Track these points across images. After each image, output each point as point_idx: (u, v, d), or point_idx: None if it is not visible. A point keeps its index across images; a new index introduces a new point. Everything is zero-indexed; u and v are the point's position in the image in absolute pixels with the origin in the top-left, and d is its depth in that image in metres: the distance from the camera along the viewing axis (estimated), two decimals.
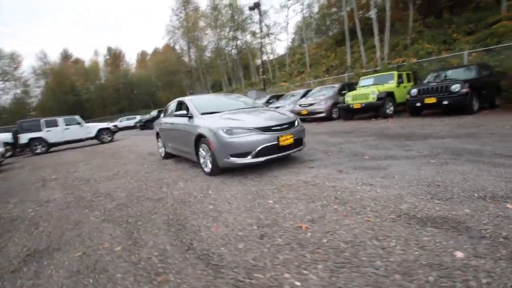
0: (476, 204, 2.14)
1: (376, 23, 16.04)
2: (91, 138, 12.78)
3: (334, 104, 10.65)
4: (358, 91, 9.74)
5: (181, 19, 45.84)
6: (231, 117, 3.94)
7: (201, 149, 4.10)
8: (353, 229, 1.96)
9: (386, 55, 15.68)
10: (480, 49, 11.62)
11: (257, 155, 3.56)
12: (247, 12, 33.49)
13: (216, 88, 45.98)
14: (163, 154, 6.09)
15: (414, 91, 8.12)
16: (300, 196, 2.74)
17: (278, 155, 3.73)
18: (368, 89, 9.43)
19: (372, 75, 10.92)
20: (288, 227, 2.09)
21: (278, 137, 3.64)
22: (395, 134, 5.79)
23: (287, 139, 3.74)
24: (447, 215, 2.02)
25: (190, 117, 4.44)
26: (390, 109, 9.15)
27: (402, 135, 5.50)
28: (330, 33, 29.37)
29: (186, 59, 50.95)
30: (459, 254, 1.54)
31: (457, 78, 7.76)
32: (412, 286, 1.34)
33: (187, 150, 4.59)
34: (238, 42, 36.25)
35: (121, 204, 3.19)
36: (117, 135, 16.84)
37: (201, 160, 4.17)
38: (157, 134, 6.27)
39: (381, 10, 19.44)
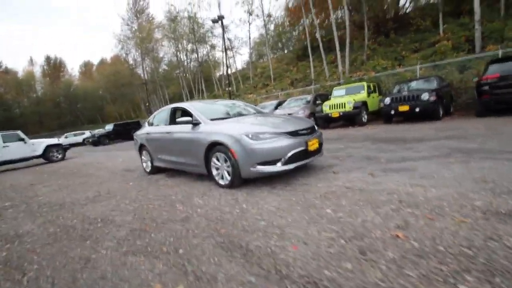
0: None
1: (338, 41, 17.34)
2: (37, 157, 10.80)
3: (311, 114, 10.91)
4: (334, 101, 10.15)
5: (133, 29, 43.67)
6: (251, 122, 3.58)
7: (213, 159, 3.62)
8: (457, 232, 1.78)
9: (347, 69, 16.97)
10: (428, 64, 13.31)
11: (287, 161, 3.25)
12: (208, 24, 33.48)
13: (175, 101, 44.21)
14: (148, 169, 5.33)
15: (387, 100, 8.76)
16: (357, 202, 2.50)
17: (306, 161, 3.47)
18: (343, 99, 9.90)
19: (343, 86, 11.58)
20: (383, 237, 1.82)
21: (306, 142, 3.39)
22: (386, 138, 6.04)
23: (313, 143, 3.51)
24: None
25: (196, 124, 3.93)
26: (364, 117, 9.71)
27: (395, 139, 5.75)
28: (290, 49, 30.97)
29: (139, 71, 48.27)
30: None
31: (423, 88, 8.62)
32: None
33: (191, 161, 4.03)
34: (200, 54, 35.68)
35: (135, 230, 2.53)
36: (68, 153, 14.65)
37: (214, 172, 3.68)
38: (141, 147, 5.49)
39: (340, 30, 21.28)
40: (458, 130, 5.94)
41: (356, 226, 2.04)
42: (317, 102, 11.48)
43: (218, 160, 3.58)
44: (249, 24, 29.92)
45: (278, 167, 3.20)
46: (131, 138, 11.04)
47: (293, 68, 24.46)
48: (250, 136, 3.24)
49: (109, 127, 21.37)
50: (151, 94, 47.42)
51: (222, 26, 22.10)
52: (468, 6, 15.91)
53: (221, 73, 39.66)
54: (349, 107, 9.51)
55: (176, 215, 2.80)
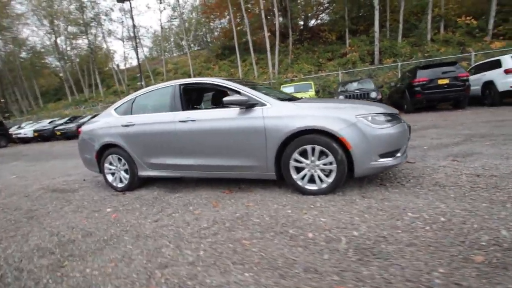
0: None
1: (268, 43, 17.74)
2: None
3: None
4: None
5: None
6: (335, 105, 2.62)
7: (295, 156, 2.45)
8: None
9: (277, 70, 17.57)
10: (345, 71, 15.41)
11: (404, 151, 2.54)
12: (103, 5, 27.47)
13: (49, 96, 33.98)
14: (121, 184, 3.36)
15: (341, 98, 9.33)
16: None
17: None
18: (298, 96, 9.92)
19: (291, 84, 11.72)
20: None
21: (410, 127, 2.77)
22: None
23: None
24: None
25: (250, 107, 2.61)
26: None
27: None
28: (205, 46, 29.56)
29: None
30: None
31: (366, 87, 9.67)
32: None
33: (243, 162, 2.65)
34: (91, 39, 28.75)
35: None
36: None
37: (294, 174, 2.50)
38: (103, 150, 3.39)
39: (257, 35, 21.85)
40: (421, 122, 6.80)
41: None
42: None
43: (301, 155, 2.45)
44: (160, 12, 26.50)
45: (399, 158, 2.44)
46: None
47: (214, 66, 23.37)
48: (369, 118, 2.33)
49: None
50: (9, 87, 34.81)
51: (131, 7, 18.61)
52: (362, 26, 19.60)
53: (120, 65, 33.45)
54: None
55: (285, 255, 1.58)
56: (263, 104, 2.60)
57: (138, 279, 1.52)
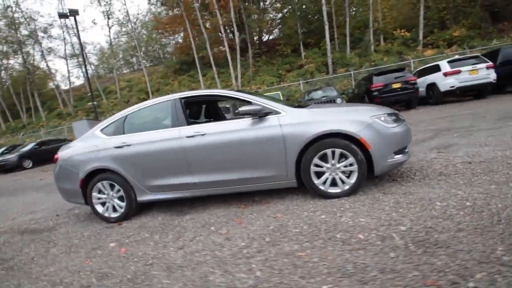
0: None
1: (230, 57, 17.94)
2: None
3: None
4: None
5: None
6: (345, 108, 2.73)
7: (315, 161, 2.47)
8: None
9: (240, 83, 17.77)
10: (305, 80, 16.32)
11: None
12: (40, 21, 24.94)
13: None
14: (118, 213, 2.97)
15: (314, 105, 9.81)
16: None
17: None
18: None
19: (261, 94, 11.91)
20: None
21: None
22: None
23: None
24: None
25: (264, 116, 2.57)
26: None
27: None
28: (159, 62, 28.61)
29: None
30: None
31: (330, 95, 10.34)
32: None
33: (261, 173, 2.57)
34: (27, 58, 25.59)
35: None
36: None
37: (316, 181, 2.50)
38: (89, 176, 2.97)
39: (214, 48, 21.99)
40: None
41: None
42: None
43: (321, 159, 2.48)
44: (109, 28, 25.05)
45: (407, 154, 2.62)
46: None
47: (173, 82, 22.68)
48: (382, 119, 2.47)
49: None
50: None
51: (76, 23, 17.28)
52: (313, 40, 21.11)
53: (62, 86, 30.26)
54: None
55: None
56: (277, 112, 2.58)
57: None
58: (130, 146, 2.84)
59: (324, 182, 2.51)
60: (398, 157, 2.50)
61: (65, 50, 26.01)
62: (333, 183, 2.51)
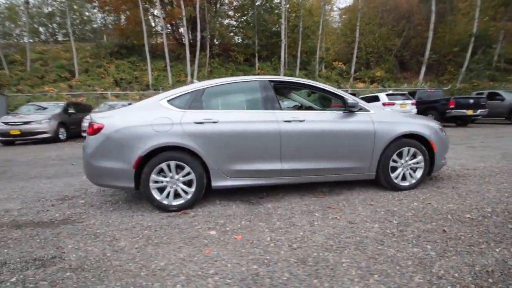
0: None
1: (188, 51, 16.95)
2: None
3: (61, 124, 9.28)
4: None
5: None
6: (411, 114, 3.25)
7: (394, 157, 2.83)
8: None
9: (195, 79, 16.95)
10: None
11: None
12: None
13: None
14: (182, 200, 2.54)
15: None
16: None
17: None
18: None
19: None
20: None
21: None
22: None
23: None
24: None
25: (351, 112, 2.79)
26: None
27: None
28: (98, 41, 24.29)
29: None
30: None
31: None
32: None
33: (347, 164, 2.74)
34: None
35: None
36: None
37: (392, 175, 2.85)
38: (148, 156, 2.45)
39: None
40: None
41: None
42: (70, 111, 9.95)
43: (397, 155, 2.86)
44: None
45: (446, 159, 3.29)
46: None
47: (109, 65, 19.64)
48: (440, 127, 3.06)
49: None
50: None
51: None
52: (265, 53, 22.32)
53: None
54: None
55: None
56: (367, 110, 2.84)
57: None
58: (216, 124, 2.52)
59: (397, 177, 2.89)
60: (444, 160, 3.12)
61: None
62: (403, 178, 2.92)
